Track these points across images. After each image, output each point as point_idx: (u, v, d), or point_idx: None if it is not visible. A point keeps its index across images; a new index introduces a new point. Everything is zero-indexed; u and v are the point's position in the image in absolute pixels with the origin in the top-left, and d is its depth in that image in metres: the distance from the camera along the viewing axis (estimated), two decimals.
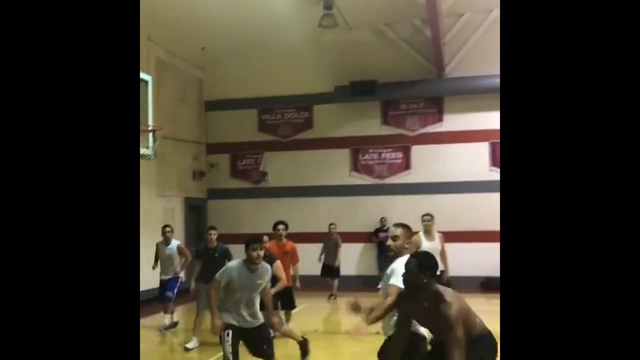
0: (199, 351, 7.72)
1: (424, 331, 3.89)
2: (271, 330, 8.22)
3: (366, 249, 14.36)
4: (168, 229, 9.06)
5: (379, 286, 4.14)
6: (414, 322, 3.80)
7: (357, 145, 14.88)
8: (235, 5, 12.53)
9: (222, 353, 5.38)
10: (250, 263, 5.05)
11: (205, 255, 8.08)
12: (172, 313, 9.18)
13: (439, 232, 8.27)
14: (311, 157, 15.07)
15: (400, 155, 14.69)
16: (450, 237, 8.97)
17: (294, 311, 8.68)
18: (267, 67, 15.10)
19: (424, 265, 3.51)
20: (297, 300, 8.74)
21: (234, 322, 5.05)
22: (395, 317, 3.84)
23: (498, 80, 2.64)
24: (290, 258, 8.28)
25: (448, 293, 3.52)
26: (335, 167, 14.95)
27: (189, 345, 7.85)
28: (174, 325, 9.31)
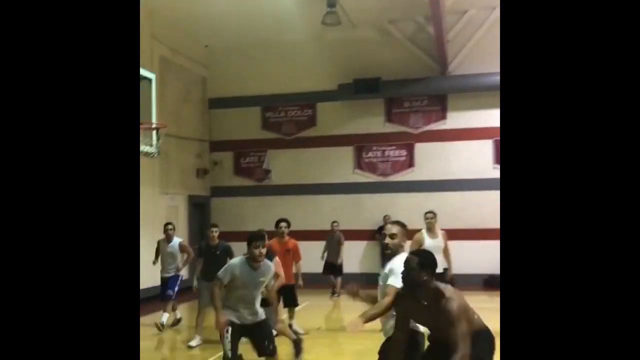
0: (202, 349, 7.73)
1: (423, 329, 3.89)
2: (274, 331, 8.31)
3: (369, 246, 14.36)
4: (170, 226, 9.05)
5: (380, 283, 4.14)
6: (412, 321, 3.80)
7: (360, 143, 14.87)
8: (238, 3, 12.54)
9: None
10: (252, 260, 5.04)
11: (207, 252, 8.09)
12: (174, 310, 9.19)
13: (442, 229, 8.28)
14: (314, 155, 15.07)
15: (403, 152, 14.67)
16: (454, 234, 8.97)
17: (297, 309, 8.68)
18: (271, 65, 15.10)
19: (424, 263, 3.52)
20: (300, 298, 8.74)
21: (234, 319, 5.06)
22: (393, 317, 3.84)
23: None
24: (293, 256, 8.29)
25: (448, 290, 3.53)
26: (339, 165, 14.94)
27: (192, 343, 7.88)
28: (177, 322, 9.33)
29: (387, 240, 4.10)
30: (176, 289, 8.92)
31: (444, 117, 14.43)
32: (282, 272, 7.49)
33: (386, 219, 13.91)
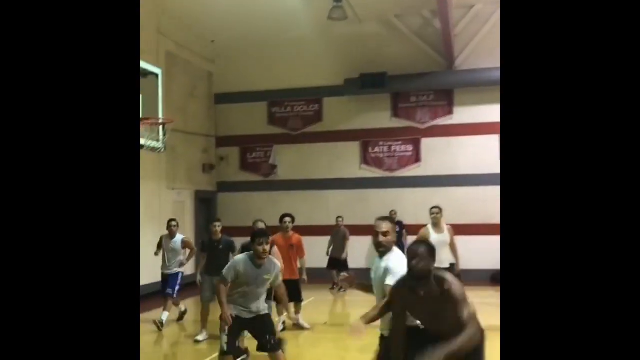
0: (209, 343, 7.76)
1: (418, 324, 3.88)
2: (282, 325, 8.33)
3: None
4: (174, 223, 9.02)
5: (373, 278, 4.13)
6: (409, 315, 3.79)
7: (367, 138, 14.85)
8: None
9: None
10: (256, 258, 5.03)
11: (210, 247, 8.10)
12: (177, 305, 9.18)
13: (448, 224, 8.26)
14: (321, 150, 15.06)
15: (410, 148, 14.64)
16: (460, 230, 8.95)
17: (302, 304, 8.69)
18: (277, 60, 15.09)
19: (432, 252, 3.52)
20: (306, 293, 8.75)
21: (237, 313, 5.08)
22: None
23: None
24: (297, 251, 8.30)
25: (448, 275, 3.58)
26: (345, 160, 14.93)
27: (199, 338, 7.92)
28: (182, 315, 9.32)
29: (381, 238, 4.02)
30: (177, 287, 8.85)
31: (450, 112, 14.39)
32: (280, 261, 7.54)
33: (392, 214, 13.92)
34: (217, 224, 8.28)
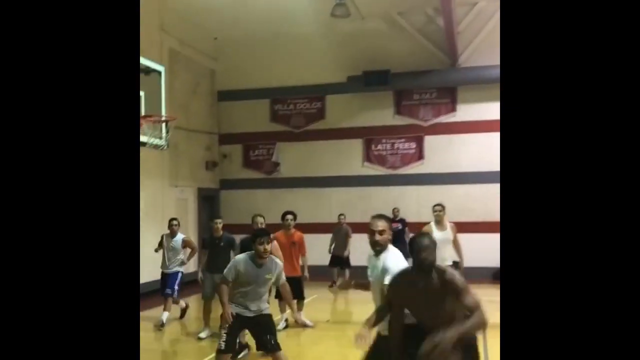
0: (212, 340, 7.76)
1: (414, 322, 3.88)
2: (284, 322, 8.33)
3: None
4: (175, 222, 8.96)
5: (371, 279, 4.12)
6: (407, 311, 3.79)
7: (369, 136, 14.83)
8: None
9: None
10: (257, 257, 5.00)
11: (211, 244, 8.09)
12: (176, 303, 9.12)
13: (451, 222, 8.26)
14: (324, 148, 15.05)
15: (413, 145, 14.63)
16: (463, 227, 8.93)
17: (305, 301, 8.69)
18: (280, 57, 15.07)
19: (435, 243, 3.57)
20: (308, 291, 8.75)
21: (237, 312, 5.04)
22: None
23: None
24: (298, 248, 8.31)
25: (448, 268, 3.64)
26: (348, 158, 14.92)
27: (202, 335, 7.93)
28: (184, 312, 9.28)
29: (377, 237, 3.99)
30: (176, 287, 8.79)
31: (453, 110, 14.37)
32: (280, 255, 7.54)
33: (395, 212, 13.91)
34: (218, 221, 8.26)
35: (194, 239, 13.28)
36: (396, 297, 3.70)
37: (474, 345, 3.74)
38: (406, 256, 3.96)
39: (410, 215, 13.55)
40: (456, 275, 3.53)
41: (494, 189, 13.22)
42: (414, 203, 13.84)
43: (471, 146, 13.90)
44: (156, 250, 9.04)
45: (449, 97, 14.38)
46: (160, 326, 8.59)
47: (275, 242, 7.13)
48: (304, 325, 8.26)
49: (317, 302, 10.84)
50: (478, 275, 11.36)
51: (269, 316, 5.23)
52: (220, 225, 8.17)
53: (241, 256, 5.16)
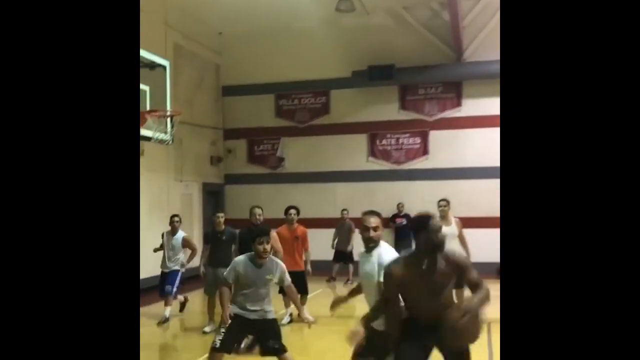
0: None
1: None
2: (289, 317, 8.33)
3: (383, 234, 14.32)
4: (176, 218, 8.87)
5: (367, 273, 4.10)
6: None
7: (374, 131, 14.81)
8: None
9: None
10: (257, 257, 4.87)
11: (213, 238, 8.06)
12: (175, 299, 9.06)
13: (456, 217, 8.26)
14: (328, 143, 15.04)
15: (418, 140, 14.60)
16: (467, 222, 8.91)
17: (309, 296, 8.69)
18: (284, 52, 15.06)
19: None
20: (313, 286, 8.75)
21: (239, 313, 4.90)
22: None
23: None
24: (301, 243, 8.30)
25: (449, 249, 3.70)
26: (353, 153, 14.90)
27: (206, 329, 7.94)
28: (183, 305, 9.24)
29: (372, 233, 3.98)
30: (176, 284, 8.70)
31: (458, 105, 14.32)
32: (279, 246, 7.53)
33: (400, 207, 13.91)
34: (220, 215, 8.23)
35: (198, 233, 13.37)
36: (395, 283, 3.65)
37: (466, 351, 3.73)
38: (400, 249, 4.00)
39: (415, 210, 13.41)
40: (457, 253, 3.65)
41: (499, 185, 13.16)
42: (418, 198, 13.81)
43: (476, 141, 13.85)
44: (155, 251, 8.93)
45: (454, 91, 14.34)
46: (163, 322, 8.60)
47: (274, 234, 7.09)
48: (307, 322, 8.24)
49: (321, 296, 10.84)
50: (483, 270, 11.32)
51: (273, 321, 5.04)
52: (222, 220, 8.15)
53: (240, 257, 5.02)
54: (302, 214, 8.67)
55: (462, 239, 8.09)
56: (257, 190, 15.22)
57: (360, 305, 4.18)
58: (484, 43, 13.66)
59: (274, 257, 5.18)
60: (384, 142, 14.81)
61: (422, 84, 14.46)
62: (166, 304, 8.74)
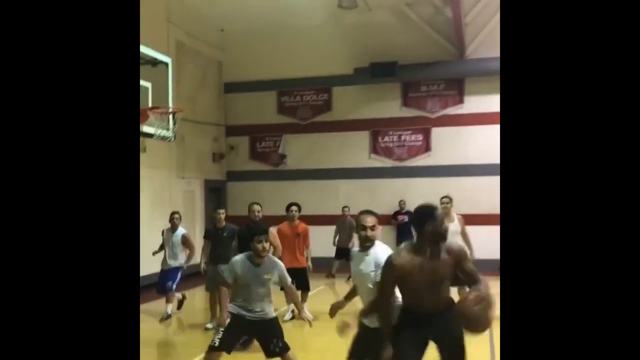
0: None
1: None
2: (290, 313, 8.33)
3: (385, 231, 14.31)
4: (176, 215, 8.82)
5: (362, 272, 4.10)
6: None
7: (376, 128, 14.80)
8: None
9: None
10: (255, 256, 4.82)
11: (214, 235, 8.06)
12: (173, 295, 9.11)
13: (458, 214, 8.27)
14: (330, 140, 15.03)
15: (420, 137, 14.59)
16: (470, 219, 8.91)
17: (310, 293, 8.70)
18: (286, 49, 15.04)
19: None
20: (314, 282, 8.75)
21: (239, 312, 4.86)
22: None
23: None
24: (303, 240, 8.30)
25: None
26: (355, 150, 14.90)
27: (209, 325, 7.94)
28: (181, 303, 9.22)
29: (369, 232, 4.01)
30: (177, 280, 8.67)
31: (461, 102, 14.31)
32: (278, 243, 7.53)
33: (402, 204, 13.90)
34: (221, 211, 8.23)
35: (200, 230, 13.36)
36: (397, 274, 3.65)
37: (462, 347, 3.76)
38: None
39: None
40: (455, 244, 3.78)
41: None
42: (420, 195, 13.77)
43: (478, 138, 13.84)
44: (154, 254, 8.87)
45: (457, 88, 14.32)
46: (165, 318, 8.61)
47: (273, 230, 7.09)
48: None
49: (322, 293, 10.86)
50: (485, 267, 11.31)
51: (274, 320, 5.00)
52: (223, 216, 8.15)
53: (238, 257, 4.97)
54: (304, 211, 8.68)
55: (464, 236, 8.11)
56: (259, 187, 15.23)
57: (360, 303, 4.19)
58: (487, 40, 13.62)
59: (273, 257, 5.13)
60: (386, 139, 14.79)
61: (424, 81, 14.45)
62: (167, 301, 8.73)
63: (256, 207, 7.68)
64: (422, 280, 3.61)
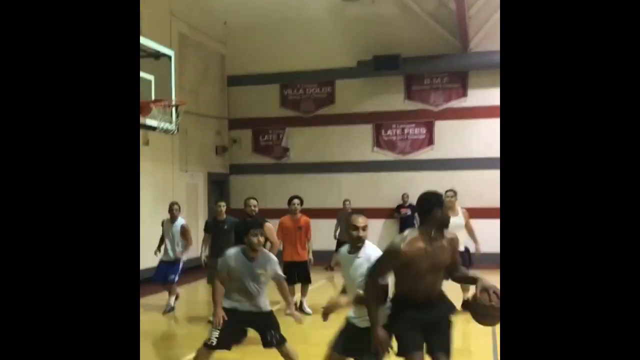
0: None
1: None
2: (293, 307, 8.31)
3: (387, 225, 14.33)
4: (176, 206, 8.78)
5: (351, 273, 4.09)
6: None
7: (379, 121, 14.77)
8: None
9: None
10: (249, 250, 4.79)
11: (215, 228, 8.05)
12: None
13: (463, 208, 8.27)
14: (333, 133, 15.01)
15: (423, 130, 14.56)
16: (473, 213, 8.90)
17: (311, 287, 8.70)
18: (289, 42, 15.00)
19: None
20: (316, 276, 8.75)
21: (233, 307, 4.85)
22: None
23: None
24: (305, 233, 8.31)
25: None
26: (358, 143, 14.87)
27: (211, 318, 7.94)
28: (175, 300, 9.27)
29: (361, 233, 4.01)
30: (179, 272, 8.65)
31: (464, 95, 14.27)
32: (275, 239, 7.53)
33: (405, 198, 13.88)
34: (222, 204, 8.21)
35: (203, 223, 13.37)
36: (401, 260, 3.65)
37: (450, 321, 3.86)
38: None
39: None
40: (451, 233, 3.86)
41: None
42: (423, 189, 13.46)
43: (482, 131, 13.79)
44: (156, 253, 8.84)
45: (460, 82, 14.28)
46: (168, 311, 8.62)
47: (269, 226, 7.08)
48: (305, 312, 8.25)
49: (324, 287, 10.87)
50: (488, 261, 11.33)
51: (269, 313, 4.99)
52: (223, 209, 8.13)
53: (232, 250, 4.93)
54: (307, 204, 8.67)
55: (469, 229, 8.14)
56: (262, 180, 15.24)
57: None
58: (490, 33, 13.55)
59: (267, 252, 5.10)
60: (389, 132, 14.77)
61: (427, 74, 14.41)
62: (170, 293, 8.75)
63: (252, 202, 7.66)
64: (424, 266, 3.64)
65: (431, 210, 3.68)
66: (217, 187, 15.14)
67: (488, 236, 11.95)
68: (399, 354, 3.74)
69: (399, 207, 14.02)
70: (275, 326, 4.96)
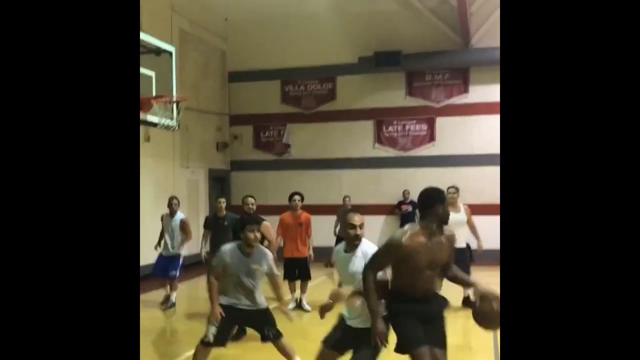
0: None
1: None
2: (293, 302, 8.34)
3: (388, 221, 14.33)
4: (175, 200, 8.83)
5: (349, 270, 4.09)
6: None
7: (381, 117, 14.75)
8: None
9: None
10: (245, 246, 4.80)
11: (215, 224, 8.06)
12: (164, 288, 9.06)
13: (465, 204, 8.28)
14: (334, 129, 15.00)
15: (424, 127, 14.54)
16: (474, 209, 8.89)
17: (311, 283, 8.71)
18: (290, 38, 14.98)
19: None
20: (317, 272, 8.76)
21: (230, 303, 4.86)
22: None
23: None
24: (305, 229, 8.31)
25: None
26: (359, 139, 14.86)
27: None
28: (167, 298, 9.18)
29: (358, 231, 4.01)
30: (179, 267, 8.68)
31: (465, 91, 14.25)
32: (273, 237, 7.53)
33: (406, 194, 13.88)
34: (222, 200, 8.22)
35: (204, 219, 13.38)
36: (401, 254, 3.65)
37: (444, 316, 3.89)
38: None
39: None
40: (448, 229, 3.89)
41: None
42: (424, 185, 13.53)
43: (483, 128, 13.78)
44: (156, 247, 8.85)
45: (461, 78, 14.26)
46: (170, 306, 8.64)
47: (267, 223, 7.09)
48: (303, 309, 8.26)
49: (324, 283, 10.87)
50: (489, 257, 11.33)
51: (265, 310, 5.01)
52: (223, 205, 8.13)
53: (228, 246, 4.93)
54: (308, 200, 8.67)
55: (471, 226, 8.15)
56: (263, 177, 15.24)
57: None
58: (491, 30, 13.52)
59: (262, 247, 5.11)
60: (390, 128, 14.75)
61: (429, 71, 14.39)
62: (172, 289, 8.76)
63: (250, 200, 7.67)
64: (423, 261, 3.64)
65: (433, 205, 3.70)
66: (218, 183, 15.14)
67: (489, 233, 11.95)
68: (401, 351, 3.74)
69: (400, 203, 14.02)
70: (272, 322, 4.98)
